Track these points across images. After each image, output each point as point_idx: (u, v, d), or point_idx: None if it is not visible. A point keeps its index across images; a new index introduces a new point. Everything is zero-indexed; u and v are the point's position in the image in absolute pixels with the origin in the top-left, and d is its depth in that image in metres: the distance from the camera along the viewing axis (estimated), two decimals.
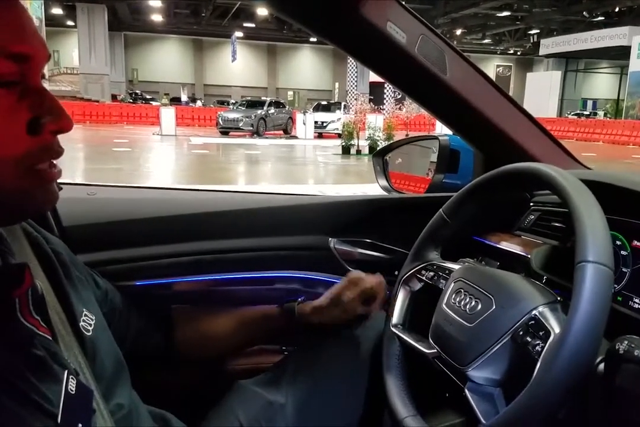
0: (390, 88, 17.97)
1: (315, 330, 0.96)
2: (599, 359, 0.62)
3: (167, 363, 0.95)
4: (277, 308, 0.98)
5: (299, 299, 0.98)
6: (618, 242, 0.78)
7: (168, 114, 16.79)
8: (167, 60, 36.12)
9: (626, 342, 0.59)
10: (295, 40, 34.29)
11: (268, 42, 35.73)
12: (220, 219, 1.14)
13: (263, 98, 21.60)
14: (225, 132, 18.05)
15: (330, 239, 1.17)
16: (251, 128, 17.65)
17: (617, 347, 0.60)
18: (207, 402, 0.89)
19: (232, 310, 1.00)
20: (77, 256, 0.78)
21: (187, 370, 1.03)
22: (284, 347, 1.16)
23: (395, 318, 0.90)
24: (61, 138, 0.55)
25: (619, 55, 24.55)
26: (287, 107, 20.22)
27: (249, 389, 0.90)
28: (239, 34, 30.79)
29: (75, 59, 26.67)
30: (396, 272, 0.95)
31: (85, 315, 0.67)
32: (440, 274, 0.86)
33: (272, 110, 18.73)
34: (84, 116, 20.25)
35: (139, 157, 11.53)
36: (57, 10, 28.74)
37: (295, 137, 18.14)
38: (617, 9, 26.15)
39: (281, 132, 19.48)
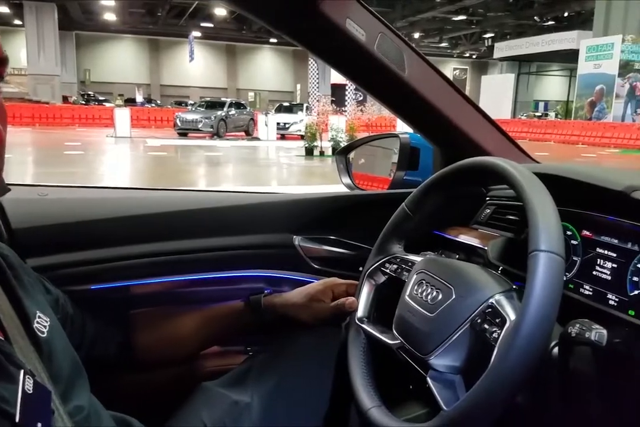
0: (351, 90, 18.09)
1: (280, 327, 0.95)
2: (553, 344, 0.66)
3: (127, 368, 0.94)
4: (241, 303, 0.97)
5: (266, 291, 0.98)
6: (569, 233, 0.81)
7: (122, 115, 16.38)
8: (121, 60, 35.15)
9: (578, 325, 0.62)
10: (256, 41, 34.03)
11: (227, 42, 35.23)
12: (180, 218, 1.11)
13: (223, 99, 21.29)
14: (183, 134, 17.75)
15: (294, 236, 1.17)
16: (211, 129, 17.43)
17: (569, 331, 0.63)
18: (171, 406, 0.88)
19: (195, 310, 0.98)
20: (28, 259, 0.76)
21: (150, 374, 1.01)
22: (248, 348, 1.15)
23: (360, 311, 0.91)
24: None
25: (569, 58, 25.34)
26: (248, 108, 20.08)
27: (214, 390, 0.88)
28: (196, 33, 30.28)
29: (23, 59, 25.61)
30: (360, 268, 0.96)
31: (39, 317, 0.67)
32: (403, 266, 0.88)
33: (232, 112, 18.56)
34: (32, 119, 19.58)
35: (92, 160, 11.15)
36: (2, 9, 27.55)
37: (257, 138, 18.00)
38: (566, 14, 27.07)
39: (243, 133, 19.32)
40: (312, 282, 1.02)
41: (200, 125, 17.26)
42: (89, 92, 31.26)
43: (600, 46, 20.54)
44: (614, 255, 0.74)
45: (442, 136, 1.13)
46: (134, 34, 33.60)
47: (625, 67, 19.92)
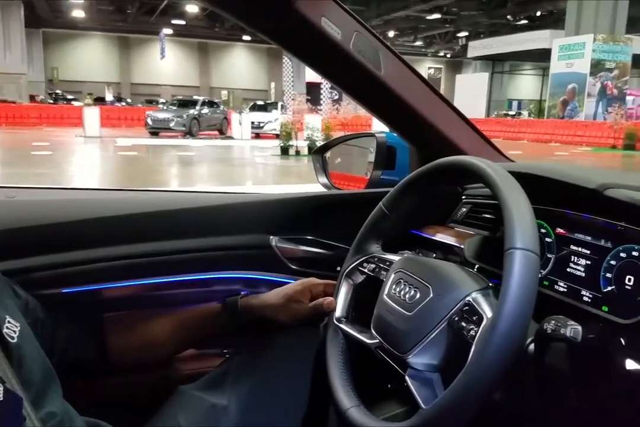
0: (327, 88, 18.01)
1: (258, 329, 0.94)
2: (529, 340, 0.68)
3: (102, 372, 0.93)
4: (218, 305, 0.96)
5: (242, 293, 0.97)
6: (543, 230, 0.83)
7: (92, 114, 16.11)
8: (90, 58, 34.38)
9: (553, 322, 0.64)
10: (229, 38, 33.69)
11: (199, 39, 34.83)
12: (155, 219, 1.09)
13: (195, 97, 21.16)
14: (155, 133, 17.53)
15: (271, 237, 1.16)
16: (183, 128, 17.28)
17: (545, 327, 0.65)
18: (147, 410, 0.87)
19: (170, 313, 0.97)
20: None
21: (125, 378, 1.00)
22: (225, 351, 1.14)
23: (338, 312, 0.91)
24: None
25: (542, 57, 25.60)
26: (222, 106, 19.98)
27: (190, 393, 0.87)
28: (168, 31, 29.88)
29: None
30: (338, 268, 0.96)
31: (9, 322, 0.66)
32: (381, 265, 0.88)
33: (205, 110, 18.44)
34: None
35: (61, 161, 10.79)
36: None
37: (231, 137, 17.86)
38: (538, 13, 27.40)
39: (216, 132, 19.19)
40: (290, 282, 1.00)
41: (172, 124, 17.13)
42: (57, 91, 30.63)
43: (572, 45, 20.77)
44: (588, 252, 0.76)
45: (418, 135, 1.13)
46: (103, 31, 33.01)
47: (597, 66, 20.18)
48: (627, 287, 0.70)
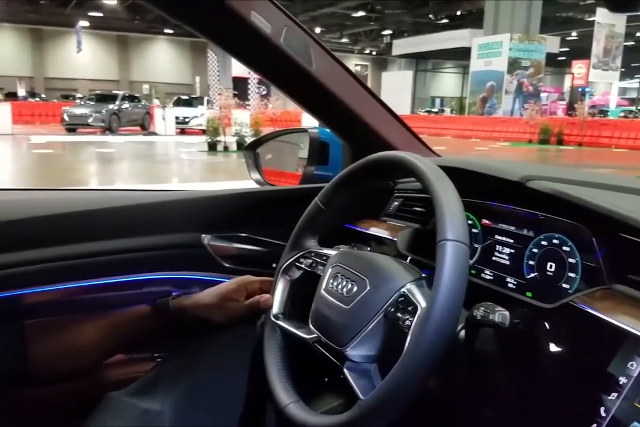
0: (254, 83, 17.77)
1: (191, 330, 0.92)
2: (459, 327, 0.70)
3: (24, 383, 0.91)
4: (147, 307, 0.94)
5: (173, 294, 0.95)
6: (470, 222, 0.87)
7: (2, 110, 15.35)
8: (0, 51, 32.18)
9: (482, 308, 0.67)
10: (150, 31, 32.61)
11: (118, 32, 33.50)
12: (78, 220, 1.05)
13: (115, 92, 20.31)
14: (72, 130, 16.88)
15: (203, 235, 1.13)
16: (102, 124, 16.76)
17: (474, 314, 0.67)
18: (75, 420, 0.83)
19: (96, 317, 0.94)
20: None
21: (50, 388, 0.97)
22: (156, 354, 1.10)
23: (275, 308, 0.91)
24: None
25: (462, 56, 26.52)
26: (143, 101, 19.48)
27: (121, 400, 0.84)
28: (84, 23, 28.42)
29: None
30: (274, 265, 0.96)
31: None
32: (318, 260, 0.89)
33: (125, 105, 17.94)
34: None
35: None
36: None
37: (154, 133, 17.41)
38: (459, 13, 28.35)
39: (138, 128, 18.68)
40: (224, 281, 0.98)
41: (90, 120, 16.59)
42: None
43: (490, 44, 21.67)
44: (512, 241, 0.80)
45: (350, 131, 1.15)
46: (14, 23, 30.93)
47: (513, 65, 21.19)
48: (548, 273, 0.74)
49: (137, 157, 11.71)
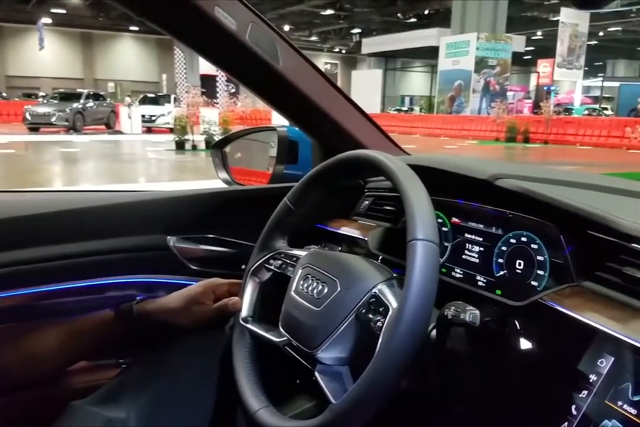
0: (222, 81, 17.63)
1: (157, 335, 0.90)
2: (431, 326, 0.69)
3: None
4: (111, 312, 0.91)
5: (138, 298, 0.93)
6: (440, 220, 0.88)
7: None
8: None
9: (453, 308, 0.67)
10: (114, 29, 32.02)
11: (82, 29, 32.73)
12: (37, 223, 1.01)
13: (79, 90, 19.99)
14: (34, 129, 16.49)
15: (168, 237, 1.11)
16: (66, 123, 16.44)
17: (445, 313, 0.67)
18: None
19: (57, 323, 0.90)
20: None
21: (9, 398, 0.92)
22: (121, 361, 1.07)
23: (244, 311, 0.89)
24: None
25: (431, 55, 26.79)
26: (109, 99, 19.22)
27: (84, 409, 0.81)
28: (47, 20, 27.71)
29: None
30: (243, 266, 0.94)
31: None
32: (288, 261, 0.87)
33: (90, 104, 17.66)
34: None
35: None
36: None
37: (120, 132, 17.13)
38: (427, 12, 28.62)
39: (103, 127, 18.41)
40: (191, 284, 0.95)
41: (53, 119, 16.24)
42: None
43: (457, 43, 21.94)
44: (481, 239, 0.81)
45: (319, 129, 1.13)
46: None
47: (480, 64, 21.49)
48: (517, 271, 0.74)
49: (102, 156, 11.49)
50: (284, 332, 0.79)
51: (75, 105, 16.85)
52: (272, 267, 0.89)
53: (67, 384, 1.03)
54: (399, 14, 28.76)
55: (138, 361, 0.91)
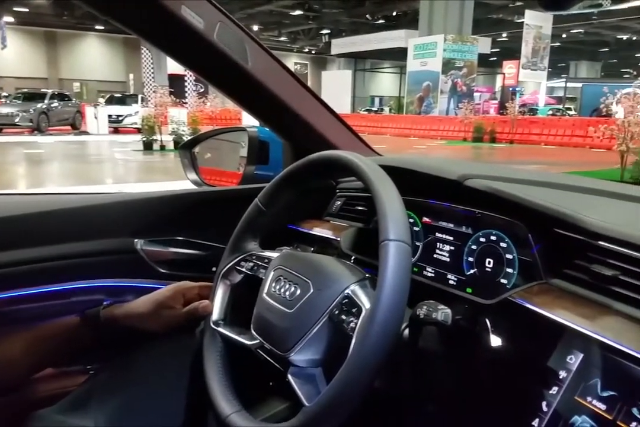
0: (191, 80, 17.44)
1: (126, 341, 0.88)
2: (403, 326, 0.70)
3: None
4: (77, 318, 0.89)
5: (105, 303, 0.91)
6: (411, 220, 0.88)
7: None
8: None
9: (425, 307, 0.67)
10: (79, 28, 31.36)
11: (46, 28, 31.94)
12: (1, 226, 0.99)
13: (43, 90, 19.64)
14: None
15: (135, 240, 1.09)
16: (30, 124, 16.21)
17: (417, 312, 0.67)
18: None
19: (22, 330, 0.88)
20: None
21: None
22: (88, 367, 1.04)
23: (215, 315, 0.88)
24: None
25: (399, 56, 27.00)
26: (74, 99, 18.93)
27: (50, 418, 0.80)
28: (8, 19, 26.92)
29: None
30: (214, 269, 0.93)
31: None
32: (260, 263, 0.87)
33: (55, 104, 17.40)
34: None
35: None
36: None
37: (86, 132, 16.91)
38: (395, 13, 28.84)
39: (69, 127, 18.15)
40: (160, 288, 0.94)
41: (17, 120, 16.02)
42: None
43: (425, 45, 22.17)
44: (451, 238, 0.82)
45: (290, 130, 1.13)
46: None
47: (448, 65, 21.76)
48: (487, 269, 0.75)
49: (67, 157, 11.28)
50: (256, 335, 0.79)
51: (39, 105, 16.66)
52: (243, 270, 0.88)
53: (32, 393, 1.00)
54: (367, 15, 28.93)
55: (106, 367, 0.89)
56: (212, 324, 0.87)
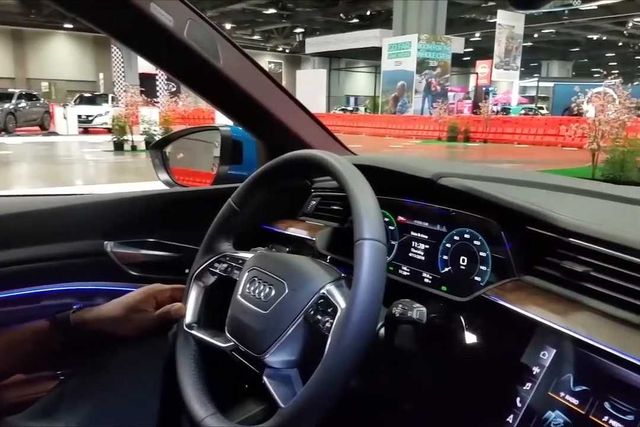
0: (163, 80, 17.23)
1: (96, 345, 0.87)
2: (379, 325, 0.69)
3: None
4: (46, 322, 0.87)
5: (75, 307, 0.88)
6: (386, 219, 0.88)
7: None
8: None
9: (400, 306, 0.67)
10: (47, 26, 30.69)
11: (13, 27, 31.15)
12: None
13: (10, 90, 19.11)
14: None
15: (105, 242, 1.07)
16: None
17: (393, 311, 0.67)
18: None
19: None
20: None
21: None
22: (58, 372, 1.02)
23: (188, 317, 0.87)
24: None
25: (374, 55, 27.11)
26: (43, 99, 18.52)
27: (19, 425, 0.79)
28: None
29: None
30: (187, 271, 0.92)
31: None
32: (234, 264, 0.86)
33: (22, 104, 17.03)
34: None
35: None
36: None
37: (55, 133, 16.62)
38: (369, 13, 28.96)
39: (37, 128, 17.80)
40: (132, 291, 0.92)
41: None
42: None
43: (399, 44, 22.31)
44: (426, 237, 0.83)
45: (263, 129, 1.12)
46: None
47: (422, 65, 21.93)
48: (462, 267, 0.76)
49: (36, 159, 11.05)
50: (231, 337, 0.78)
51: (6, 105, 16.26)
52: (217, 271, 0.87)
53: (1, 399, 0.97)
54: (341, 14, 28.98)
55: (76, 372, 0.88)
56: (185, 327, 0.86)
